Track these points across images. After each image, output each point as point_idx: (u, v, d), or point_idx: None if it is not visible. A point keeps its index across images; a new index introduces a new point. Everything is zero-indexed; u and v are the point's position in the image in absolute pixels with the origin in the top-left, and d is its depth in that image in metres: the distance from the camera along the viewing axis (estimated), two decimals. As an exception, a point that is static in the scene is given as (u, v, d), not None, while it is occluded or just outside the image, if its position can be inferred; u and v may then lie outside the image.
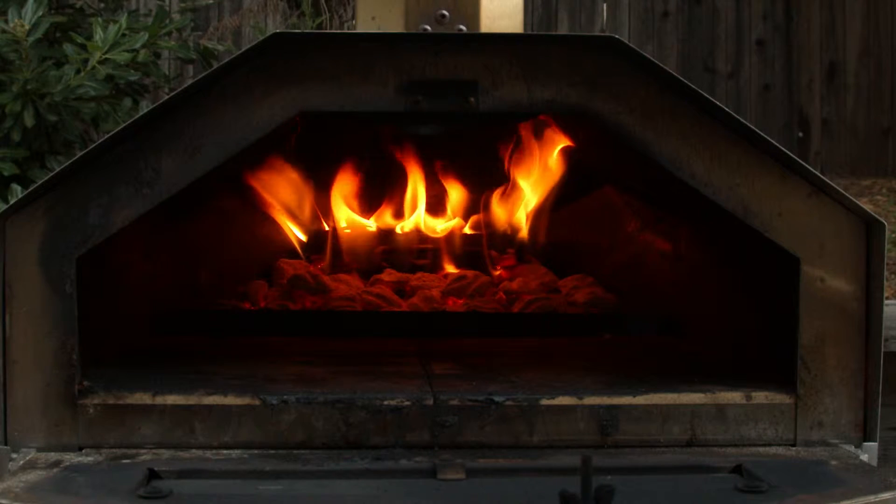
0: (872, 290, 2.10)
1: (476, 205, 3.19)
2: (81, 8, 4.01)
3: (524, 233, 3.16)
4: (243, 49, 2.02)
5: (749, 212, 2.10)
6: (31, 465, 1.96)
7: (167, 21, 3.62)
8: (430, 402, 2.08)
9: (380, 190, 3.22)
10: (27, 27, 3.33)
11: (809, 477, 1.95)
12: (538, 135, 3.03)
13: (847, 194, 2.11)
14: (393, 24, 2.22)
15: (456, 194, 3.21)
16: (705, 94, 2.05)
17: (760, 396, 2.14)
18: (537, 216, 3.13)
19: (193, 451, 2.06)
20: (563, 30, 6.73)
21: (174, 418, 2.07)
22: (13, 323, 2.03)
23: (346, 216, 3.18)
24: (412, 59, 2.06)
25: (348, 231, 3.16)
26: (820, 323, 2.11)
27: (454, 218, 3.20)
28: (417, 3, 2.21)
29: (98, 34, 3.44)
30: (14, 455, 2.01)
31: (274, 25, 5.32)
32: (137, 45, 3.49)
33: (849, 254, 2.11)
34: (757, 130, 2.07)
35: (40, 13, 3.38)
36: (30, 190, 2.03)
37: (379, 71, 2.06)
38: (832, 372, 2.12)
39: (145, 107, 3.57)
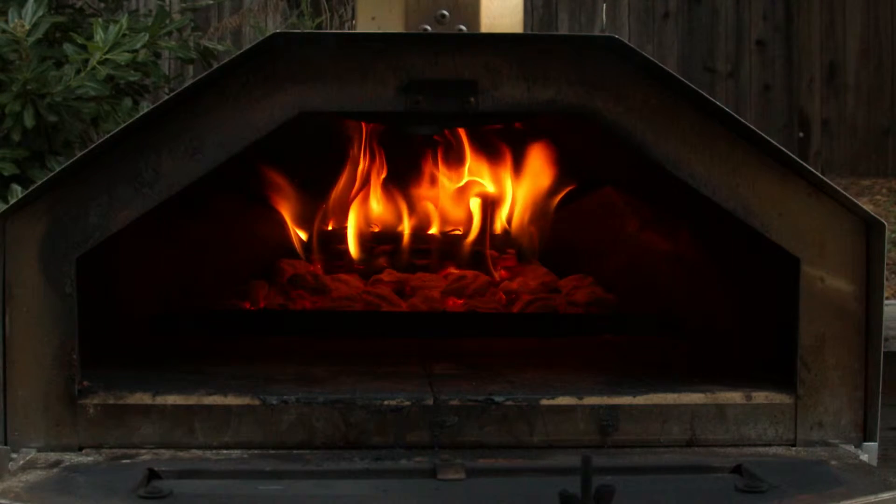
0: (872, 291, 2.10)
1: (475, 205, 3.19)
2: (81, 8, 4.01)
3: (524, 233, 3.16)
4: (243, 49, 2.02)
5: (749, 212, 2.10)
6: (31, 465, 1.96)
7: (167, 21, 3.62)
8: (430, 402, 2.08)
9: (379, 189, 3.22)
10: (27, 27, 3.33)
11: (809, 477, 1.95)
12: (533, 135, 3.03)
13: (847, 194, 2.10)
14: (393, 24, 2.22)
15: (455, 194, 3.21)
16: (705, 94, 2.05)
17: (760, 396, 2.14)
18: (537, 217, 3.13)
19: (193, 451, 2.06)
20: (563, 30, 6.73)
21: (174, 418, 2.06)
22: (13, 323, 2.03)
23: (347, 216, 3.17)
24: (412, 59, 2.06)
25: (349, 231, 3.16)
26: (820, 323, 2.11)
27: (454, 218, 3.20)
28: (417, 3, 2.21)
29: (98, 34, 3.44)
30: (14, 455, 2.00)
31: (274, 25, 5.33)
32: (137, 46, 3.49)
33: (849, 254, 2.11)
34: (757, 130, 2.06)
35: (40, 13, 3.38)
36: (30, 190, 2.03)
37: (379, 71, 2.06)
38: (832, 372, 2.12)
39: (145, 107, 3.57)
